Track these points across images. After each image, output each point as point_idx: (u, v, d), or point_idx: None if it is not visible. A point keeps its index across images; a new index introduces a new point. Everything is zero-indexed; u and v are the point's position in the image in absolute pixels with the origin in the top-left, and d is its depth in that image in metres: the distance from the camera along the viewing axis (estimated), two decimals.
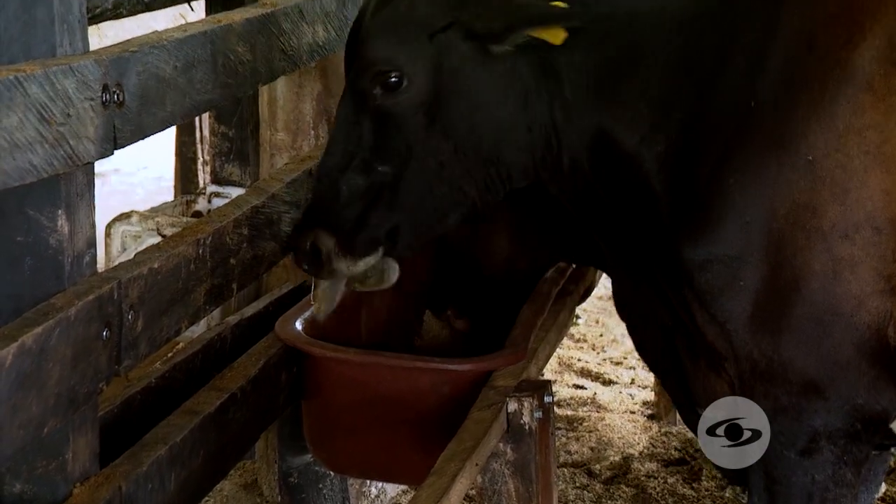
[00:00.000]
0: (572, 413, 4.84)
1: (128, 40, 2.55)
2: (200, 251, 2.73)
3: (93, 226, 2.45)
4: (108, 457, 2.57)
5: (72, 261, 2.38)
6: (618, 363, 5.33)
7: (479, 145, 2.83)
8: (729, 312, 2.66)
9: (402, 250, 2.94)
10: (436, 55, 2.79)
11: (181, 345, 3.64)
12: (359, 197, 2.84)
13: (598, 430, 4.69)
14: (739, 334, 2.67)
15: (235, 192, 4.33)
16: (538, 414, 2.88)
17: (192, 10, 5.13)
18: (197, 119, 5.05)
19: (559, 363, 5.27)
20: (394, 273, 2.96)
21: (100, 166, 2.47)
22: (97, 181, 2.49)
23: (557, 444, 4.45)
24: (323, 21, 3.35)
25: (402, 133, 2.82)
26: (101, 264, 3.03)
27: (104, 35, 5.19)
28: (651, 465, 4.42)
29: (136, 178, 8.18)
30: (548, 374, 5.01)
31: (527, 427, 2.87)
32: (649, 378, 5.03)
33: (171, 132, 5.34)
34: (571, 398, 4.98)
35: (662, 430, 4.68)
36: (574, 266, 3.74)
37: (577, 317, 5.39)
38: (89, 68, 2.31)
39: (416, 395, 3.15)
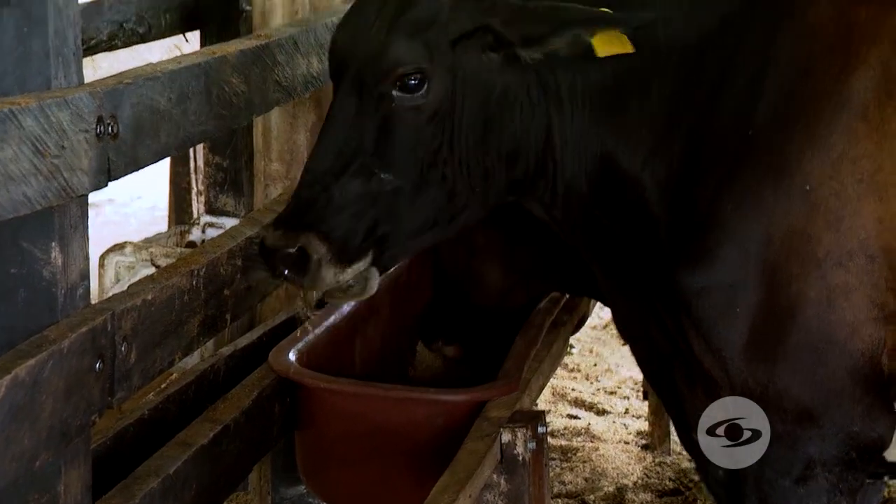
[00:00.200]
0: (566, 443, 4.83)
1: (122, 72, 2.56)
2: (194, 282, 2.73)
3: (86, 257, 2.45)
4: (100, 490, 2.56)
5: (65, 293, 2.38)
6: (612, 393, 5.33)
7: (481, 159, 2.79)
8: (725, 340, 2.67)
9: (388, 260, 2.84)
10: (454, 62, 2.73)
11: (174, 376, 3.63)
12: (355, 203, 2.72)
13: (592, 461, 4.68)
14: (735, 362, 2.67)
15: (230, 222, 4.34)
16: (532, 445, 2.88)
17: (188, 41, 5.16)
18: (191, 149, 5.06)
19: (553, 393, 5.27)
20: (376, 283, 2.83)
21: (94, 196, 2.47)
22: (91, 211, 2.49)
23: (551, 474, 4.44)
24: (317, 52, 3.36)
25: (410, 139, 2.73)
26: (94, 295, 3.03)
27: (99, 66, 5.21)
28: (645, 496, 4.41)
29: (130, 209, 8.18)
30: (542, 405, 5.00)
31: (520, 458, 2.87)
32: (643, 408, 5.03)
33: (166, 162, 5.35)
34: (565, 428, 4.98)
35: (657, 460, 4.67)
36: (568, 296, 3.75)
37: (571, 346, 5.39)
38: (84, 101, 2.32)
39: (409, 426, 3.14)
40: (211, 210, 4.81)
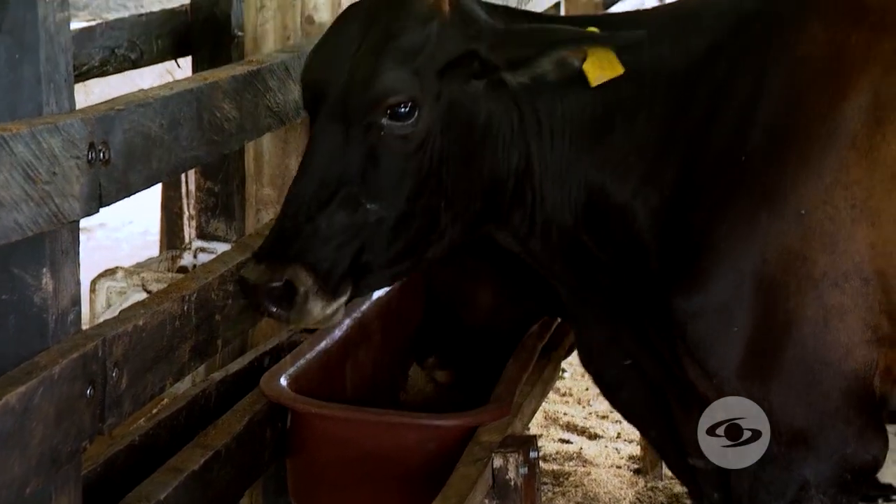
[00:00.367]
0: (558, 468, 4.83)
1: (114, 98, 2.56)
2: (186, 308, 2.72)
3: (78, 283, 2.45)
4: None
5: (56, 318, 2.37)
6: (604, 417, 5.32)
7: (466, 188, 2.77)
8: (722, 361, 2.67)
9: (363, 290, 2.79)
10: (441, 90, 2.71)
11: (165, 401, 3.62)
12: (341, 233, 2.67)
13: (584, 485, 4.68)
14: (731, 383, 2.68)
15: (221, 247, 4.34)
16: (524, 469, 2.88)
17: (179, 66, 5.17)
18: (183, 174, 5.06)
19: (545, 417, 5.26)
20: (343, 312, 2.76)
21: (85, 221, 2.47)
22: (82, 235, 2.49)
23: (543, 499, 4.43)
24: None
25: (396, 169, 2.69)
26: (85, 320, 3.03)
27: (91, 91, 5.22)
28: None
29: (122, 233, 8.18)
30: (533, 429, 4.99)
31: (512, 483, 2.86)
32: (635, 432, 5.01)
33: (157, 187, 5.35)
34: (557, 453, 4.97)
35: (649, 484, 4.67)
36: (559, 320, 3.75)
37: (563, 371, 5.38)
38: (75, 127, 2.32)
39: (401, 451, 3.13)
40: (202, 235, 4.81)
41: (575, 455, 4.96)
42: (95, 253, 6.96)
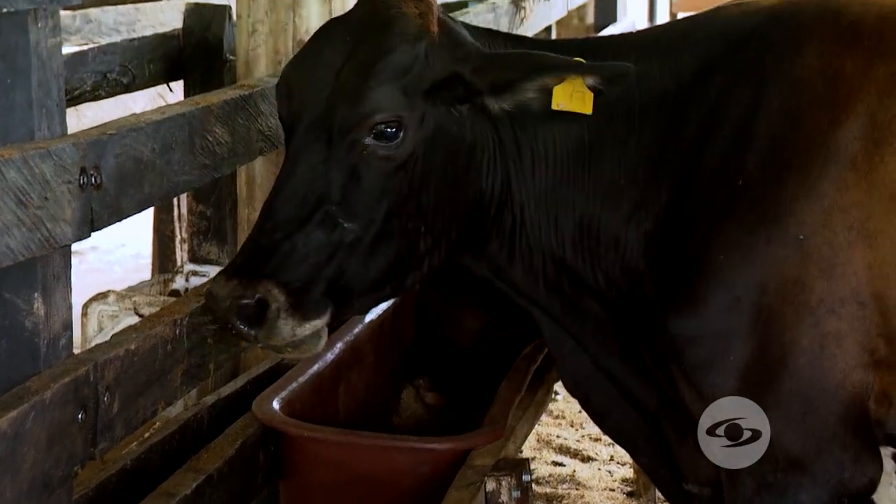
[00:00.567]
0: (551, 491, 4.81)
1: (106, 123, 2.57)
2: (178, 331, 2.72)
3: (69, 308, 2.44)
4: None
5: (48, 343, 2.37)
6: (597, 439, 5.31)
7: (447, 213, 2.74)
8: (718, 387, 2.66)
9: (341, 315, 2.71)
10: (426, 112, 2.68)
11: (157, 425, 3.62)
12: (317, 252, 2.59)
13: None
14: None
15: (213, 270, 4.34)
16: (516, 493, 2.87)
17: (172, 91, 5.18)
18: (175, 197, 5.07)
19: (538, 440, 5.25)
20: (325, 338, 2.67)
21: (77, 244, 2.47)
22: (74, 259, 2.49)
23: None
24: None
25: (377, 189, 2.64)
26: (77, 343, 3.03)
27: (83, 115, 5.22)
28: None
29: (114, 256, 8.17)
30: (526, 452, 4.98)
31: None
32: (628, 455, 5.01)
33: (150, 210, 5.35)
34: (550, 475, 4.96)
35: None
36: None
37: (556, 393, 5.37)
38: (67, 152, 2.32)
39: (394, 474, 3.13)
40: (194, 258, 4.81)
41: (568, 478, 4.94)
42: (87, 276, 6.96)
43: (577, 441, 5.31)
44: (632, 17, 9.47)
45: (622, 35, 3.00)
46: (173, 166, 2.70)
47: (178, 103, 2.95)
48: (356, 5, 2.80)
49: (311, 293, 2.58)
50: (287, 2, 3.97)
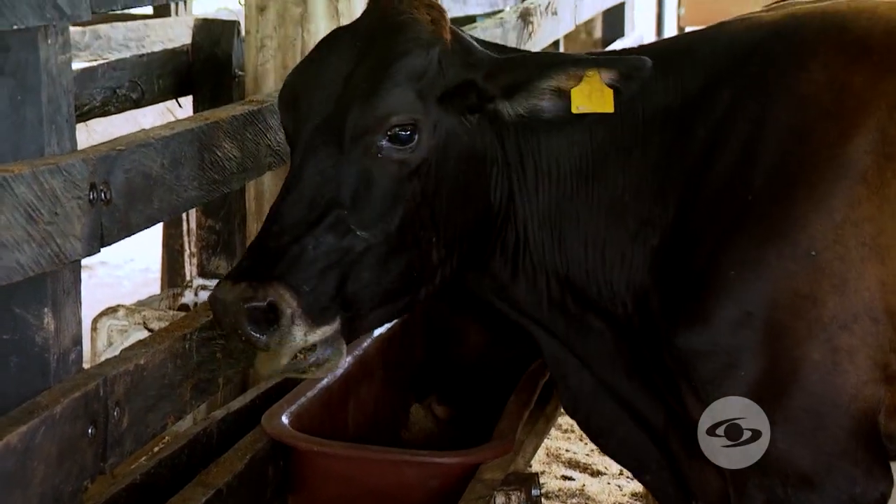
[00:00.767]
0: None
1: (115, 139, 2.58)
2: (187, 346, 2.72)
3: (79, 323, 2.45)
4: None
5: (58, 358, 2.38)
6: None
7: (457, 223, 2.71)
8: None
9: (354, 330, 2.62)
10: (439, 118, 2.65)
11: (167, 439, 3.62)
12: (327, 257, 2.52)
13: None
14: None
15: None
16: None
17: (181, 106, 5.20)
18: (184, 212, 5.08)
19: (547, 454, 5.24)
20: (344, 354, 2.61)
21: (86, 259, 2.48)
22: (84, 273, 2.50)
23: None
24: None
25: (390, 194, 2.59)
26: (86, 358, 3.03)
27: (93, 130, 5.24)
28: None
29: (123, 271, 8.19)
30: (535, 466, 4.98)
31: None
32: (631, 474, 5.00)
33: (159, 224, 5.37)
34: (560, 490, 4.95)
35: None
36: None
37: None
38: (77, 167, 2.33)
39: (403, 489, 3.13)
40: (203, 273, 4.81)
41: (577, 492, 4.93)
42: (97, 290, 6.97)
43: (587, 455, 5.30)
44: (640, 31, 9.48)
45: (628, 49, 2.99)
46: (182, 181, 2.71)
47: (187, 119, 2.96)
48: (363, 14, 2.78)
49: (321, 299, 2.50)
50: (295, 17, 3.98)
